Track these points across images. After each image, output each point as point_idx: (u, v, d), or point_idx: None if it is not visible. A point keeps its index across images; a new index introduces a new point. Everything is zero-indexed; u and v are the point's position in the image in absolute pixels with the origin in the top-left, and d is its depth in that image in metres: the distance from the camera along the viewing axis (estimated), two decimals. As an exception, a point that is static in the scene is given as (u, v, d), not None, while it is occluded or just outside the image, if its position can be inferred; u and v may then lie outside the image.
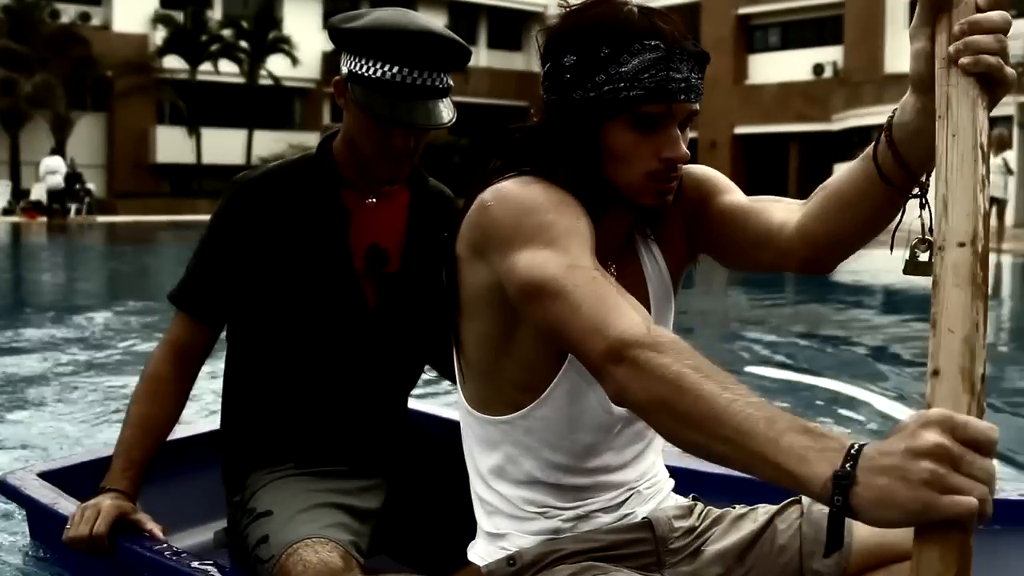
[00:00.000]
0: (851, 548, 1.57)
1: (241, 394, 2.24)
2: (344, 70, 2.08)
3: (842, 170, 1.51)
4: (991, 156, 17.13)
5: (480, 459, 1.69)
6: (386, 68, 2.01)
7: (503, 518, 1.66)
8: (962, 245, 1.14)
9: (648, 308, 1.64)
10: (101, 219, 28.94)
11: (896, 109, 1.43)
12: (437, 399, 3.46)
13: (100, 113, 37.41)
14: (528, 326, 1.55)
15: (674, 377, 1.22)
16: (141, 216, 30.92)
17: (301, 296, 2.12)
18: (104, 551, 2.03)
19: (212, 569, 1.95)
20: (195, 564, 1.96)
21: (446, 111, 2.07)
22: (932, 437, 1.00)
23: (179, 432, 2.46)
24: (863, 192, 1.49)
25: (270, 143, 38.13)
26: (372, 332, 2.16)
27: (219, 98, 38.66)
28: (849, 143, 32.17)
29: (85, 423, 4.85)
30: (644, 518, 1.68)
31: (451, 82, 2.09)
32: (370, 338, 2.16)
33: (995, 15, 1.25)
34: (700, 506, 1.77)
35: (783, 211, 1.61)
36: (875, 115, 30.30)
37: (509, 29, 46.47)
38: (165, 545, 2.04)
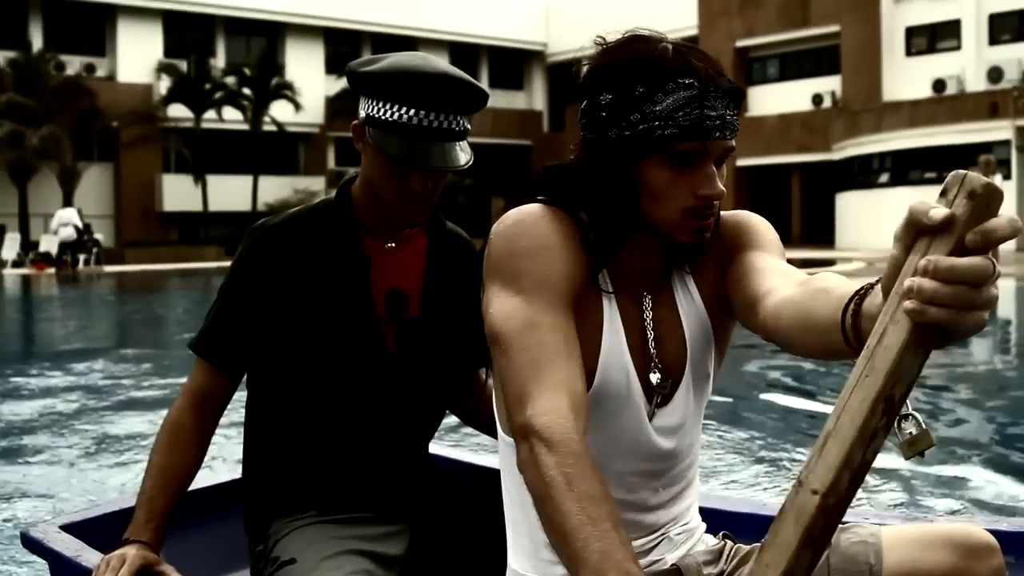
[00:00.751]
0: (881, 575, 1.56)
1: (262, 442, 2.23)
2: (362, 114, 2.10)
3: (827, 291, 1.37)
4: None
5: (511, 488, 1.69)
6: (403, 110, 2.02)
7: (530, 559, 1.66)
8: (813, 493, 1.09)
9: (684, 345, 1.66)
10: (109, 268, 29.18)
11: (876, 282, 1.23)
12: (458, 443, 3.46)
13: (107, 163, 37.71)
14: None
15: (548, 481, 1.32)
16: (149, 265, 31.14)
17: (322, 342, 2.12)
18: None
19: None
20: None
21: (463, 154, 2.09)
22: None
23: (201, 481, 2.47)
24: (825, 333, 1.34)
25: (276, 188, 38.49)
26: (393, 377, 2.15)
27: (224, 145, 38.92)
28: (850, 171, 32.37)
29: (98, 469, 4.94)
30: (673, 565, 1.68)
31: (468, 125, 2.10)
32: (391, 383, 2.15)
33: (967, 265, 1.03)
34: (729, 546, 1.75)
35: (777, 279, 1.54)
36: (874, 143, 30.51)
37: (510, 68, 46.84)
38: None
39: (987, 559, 1.53)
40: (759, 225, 1.70)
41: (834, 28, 35.52)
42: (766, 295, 1.51)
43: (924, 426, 1.10)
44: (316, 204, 2.23)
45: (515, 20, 45.89)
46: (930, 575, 1.53)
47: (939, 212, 1.04)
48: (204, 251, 34.31)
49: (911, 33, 33.84)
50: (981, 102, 29.00)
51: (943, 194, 1.06)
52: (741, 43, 37.92)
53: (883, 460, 4.79)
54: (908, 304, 1.04)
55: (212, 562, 2.52)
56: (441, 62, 2.09)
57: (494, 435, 1.76)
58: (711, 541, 1.77)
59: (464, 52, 45.00)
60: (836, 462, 1.09)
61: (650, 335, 1.64)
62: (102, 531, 2.32)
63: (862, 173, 31.86)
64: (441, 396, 2.28)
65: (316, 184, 40.69)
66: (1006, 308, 14.73)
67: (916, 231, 1.06)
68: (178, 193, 38.24)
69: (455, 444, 3.20)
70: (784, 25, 36.94)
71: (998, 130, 28.20)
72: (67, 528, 2.40)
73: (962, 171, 1.06)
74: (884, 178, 30.92)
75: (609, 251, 1.59)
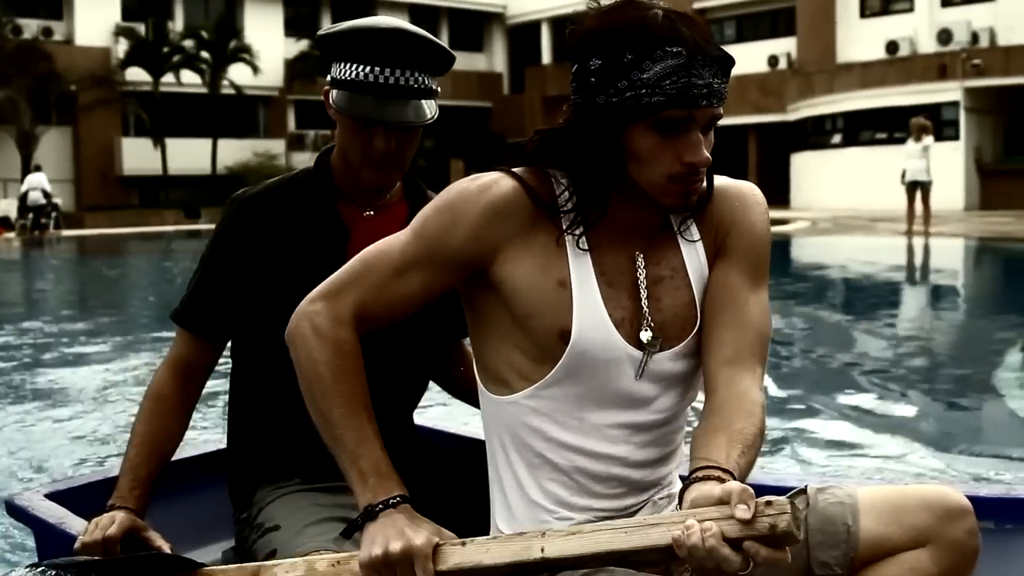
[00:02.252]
0: (858, 538, 1.57)
1: (246, 411, 2.24)
2: (328, 78, 2.11)
3: (705, 432, 1.57)
4: (913, 141, 17.51)
5: (494, 445, 1.73)
6: (361, 68, 2.03)
7: (516, 518, 1.69)
8: (542, 551, 1.46)
9: (689, 306, 1.69)
10: (68, 233, 29.13)
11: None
12: (442, 414, 3.43)
13: (65, 127, 37.41)
14: (505, 316, 1.66)
15: (319, 375, 1.65)
16: (108, 229, 31.08)
17: None
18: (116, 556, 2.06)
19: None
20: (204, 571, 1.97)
21: (426, 111, 2.08)
22: (375, 550, 1.56)
23: (185, 452, 2.51)
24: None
25: (235, 151, 38.34)
26: (373, 346, 2.12)
27: (183, 108, 38.73)
28: (804, 132, 32.75)
29: (81, 438, 5.07)
30: None
31: (431, 83, 2.10)
32: (371, 351, 2.12)
33: (724, 556, 1.31)
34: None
35: (727, 353, 1.65)
36: (827, 104, 30.88)
37: (470, 30, 46.71)
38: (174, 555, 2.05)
39: (961, 521, 1.55)
40: (759, 230, 1.73)
41: (789, -10, 35.78)
42: (708, 360, 1.66)
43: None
44: (296, 173, 2.24)
45: (475, -18, 45.94)
46: (905, 535, 1.55)
47: (744, 514, 1.31)
48: (164, 214, 34.32)
49: (865, -5, 34.16)
50: (930, 64, 29.38)
51: (768, 503, 1.31)
52: (699, 4, 38.02)
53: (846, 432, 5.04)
54: (676, 533, 1.33)
55: (196, 531, 2.54)
56: (402, 22, 2.10)
57: (478, 405, 1.79)
58: None
59: (424, 14, 44.76)
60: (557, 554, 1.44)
61: (643, 292, 1.66)
62: (87, 499, 2.34)
63: (815, 134, 32.22)
64: (423, 365, 2.29)
65: (276, 147, 40.62)
66: (950, 263, 15.15)
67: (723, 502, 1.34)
68: (137, 156, 38.04)
69: (441, 416, 3.19)
70: (730, -9, 37.17)
71: (947, 91, 28.60)
72: (52, 496, 2.42)
73: (787, 501, 1.32)
74: (837, 139, 31.36)
75: (592, 212, 1.61)
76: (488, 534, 1.69)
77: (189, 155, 37.98)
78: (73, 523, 2.22)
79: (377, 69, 2.03)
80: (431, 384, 2.44)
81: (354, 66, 2.04)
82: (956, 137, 28.60)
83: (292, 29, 41.79)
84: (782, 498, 1.31)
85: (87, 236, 28.57)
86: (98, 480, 2.50)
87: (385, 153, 2.08)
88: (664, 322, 1.66)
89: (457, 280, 1.67)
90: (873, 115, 29.73)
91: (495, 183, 1.63)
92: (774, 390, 5.85)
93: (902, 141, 29.27)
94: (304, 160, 40.93)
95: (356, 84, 2.04)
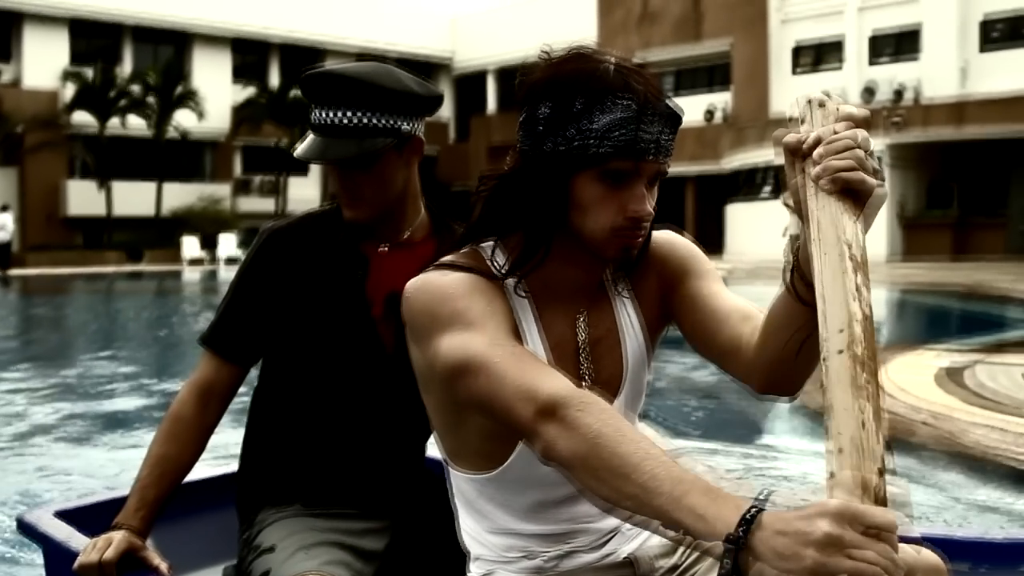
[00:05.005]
0: None
1: (260, 434, 2.27)
2: None
3: (772, 298, 1.54)
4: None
5: (461, 508, 1.72)
6: (312, 111, 2.11)
7: (488, 562, 1.68)
8: (840, 352, 1.20)
9: (623, 361, 1.69)
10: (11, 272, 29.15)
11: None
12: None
13: (11, 168, 37.65)
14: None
15: (595, 435, 1.29)
16: (48, 269, 31.21)
17: (320, 340, 2.16)
18: None
19: None
20: None
21: (373, 146, 2.08)
22: (823, 527, 1.08)
23: (197, 474, 2.48)
24: (789, 315, 1.49)
25: (181, 195, 38.65)
26: (389, 378, 2.15)
27: (129, 151, 39.00)
28: (736, 183, 33.59)
29: (96, 457, 5.27)
30: (626, 557, 1.69)
31: (377, 120, 2.08)
32: (387, 384, 2.16)
33: (843, 136, 1.31)
34: (688, 541, 1.72)
35: (745, 327, 1.61)
36: (758, 156, 31.73)
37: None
38: None
39: None
40: (693, 250, 1.75)
41: (726, 45, 36.74)
42: (749, 342, 1.59)
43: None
44: (323, 208, 2.28)
45: (422, 32, 46.45)
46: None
47: (808, 136, 1.34)
48: (105, 255, 34.50)
49: (798, 51, 35.15)
50: (855, 119, 30.37)
51: (802, 122, 1.36)
52: (640, 55, 38.72)
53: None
54: (823, 183, 1.30)
55: (202, 551, 2.56)
56: (359, 66, 2.13)
57: None
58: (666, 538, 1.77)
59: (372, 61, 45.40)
60: (841, 320, 1.23)
61: (586, 353, 1.66)
62: (96, 518, 2.33)
63: (747, 184, 33.10)
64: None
65: (222, 191, 41.02)
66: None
67: (793, 156, 1.36)
68: (82, 198, 38.29)
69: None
70: (679, 40, 38.08)
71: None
72: (61, 514, 2.44)
73: (804, 97, 1.38)
74: (767, 191, 32.20)
75: (534, 260, 1.59)
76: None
77: (134, 198, 38.23)
78: (79, 542, 2.24)
79: (319, 110, 2.09)
80: None
81: (310, 110, 2.12)
82: (879, 189, 29.51)
83: (240, 75, 42.43)
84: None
85: (28, 276, 28.69)
86: (108, 500, 2.51)
87: (342, 190, 2.14)
88: (603, 383, 1.65)
89: None
90: (801, 167, 30.58)
91: (441, 277, 1.58)
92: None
93: (829, 192, 30.27)
94: (252, 204, 41.35)
95: (311, 126, 2.12)
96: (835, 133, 1.33)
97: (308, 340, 2.15)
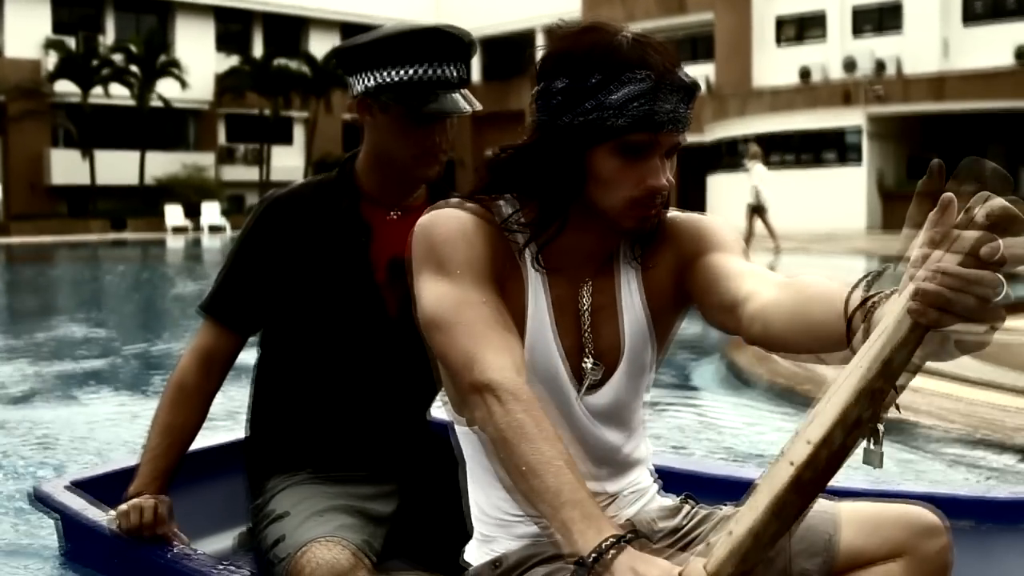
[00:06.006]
0: (837, 548, 1.58)
1: (267, 402, 2.30)
2: (360, 87, 2.15)
3: (821, 296, 1.35)
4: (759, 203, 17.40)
5: (467, 469, 1.74)
6: (416, 68, 2.09)
7: (491, 524, 1.70)
8: (790, 464, 1.13)
9: (620, 334, 1.68)
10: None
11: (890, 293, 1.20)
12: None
13: (-7, 137, 37.52)
14: None
15: (506, 427, 1.39)
16: (31, 237, 31.19)
17: (324, 306, 2.17)
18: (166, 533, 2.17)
19: (233, 570, 2.04)
20: (217, 566, 2.06)
21: (469, 99, 2.15)
22: None
23: (204, 442, 2.54)
24: (830, 339, 1.31)
25: (164, 163, 38.57)
26: (392, 342, 2.17)
27: (112, 121, 38.91)
28: (719, 153, 33.70)
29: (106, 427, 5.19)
30: (627, 520, 1.70)
31: (467, 72, 2.16)
32: (390, 348, 2.18)
33: (974, 276, 1.04)
34: (688, 507, 1.76)
35: (755, 283, 1.51)
36: (739, 127, 31.87)
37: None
38: (188, 547, 2.15)
39: (935, 538, 1.57)
40: (718, 227, 1.70)
41: (708, 16, 36.74)
42: (746, 300, 1.49)
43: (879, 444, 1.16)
44: (322, 177, 2.30)
45: (406, 1, 45.96)
46: (881, 548, 1.57)
47: (955, 236, 1.05)
48: (89, 224, 34.43)
49: (781, 23, 35.16)
50: (835, 91, 30.69)
51: (962, 197, 1.06)
52: (549, 27, 38.76)
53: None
54: (912, 304, 1.07)
55: (213, 517, 2.57)
56: (442, 23, 2.18)
57: None
58: (668, 501, 1.80)
59: (355, 32, 43.74)
60: (816, 438, 1.11)
61: (586, 321, 1.66)
62: (111, 488, 2.35)
63: (729, 155, 33.16)
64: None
65: (206, 159, 40.95)
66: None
67: (936, 226, 1.08)
68: (66, 167, 38.22)
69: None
70: (662, 12, 38.05)
71: (850, 117, 29.90)
72: (75, 485, 2.47)
73: (977, 164, 1.08)
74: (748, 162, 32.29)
75: (549, 232, 1.60)
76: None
77: (118, 167, 38.20)
78: (95, 512, 2.29)
79: (435, 65, 2.10)
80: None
81: (408, 67, 2.09)
82: (859, 161, 29.86)
83: (223, 44, 42.26)
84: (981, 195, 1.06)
85: (12, 245, 28.63)
86: (121, 469, 2.53)
87: (440, 145, 2.15)
88: (603, 352, 1.66)
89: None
90: (781, 139, 30.77)
91: (455, 212, 1.61)
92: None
93: (808, 164, 30.57)
94: (236, 173, 41.29)
95: (415, 84, 2.10)
96: (977, 252, 1.04)
97: (312, 307, 2.17)
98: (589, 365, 1.64)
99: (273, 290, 2.19)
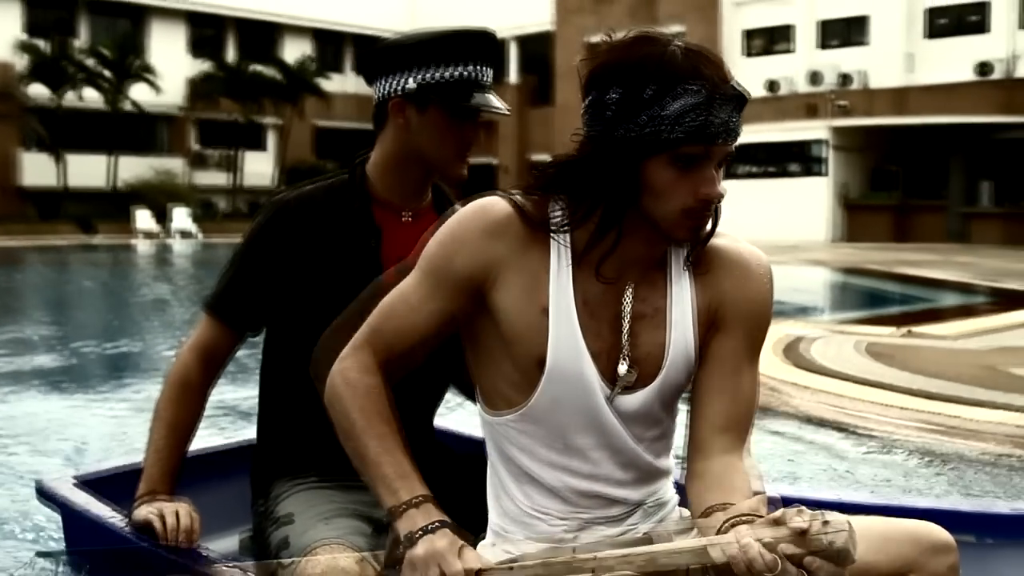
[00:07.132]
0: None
1: (274, 406, 2.30)
2: (396, 88, 2.16)
3: (718, 493, 1.61)
4: None
5: (491, 455, 1.77)
6: (461, 68, 2.13)
7: (510, 521, 1.73)
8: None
9: (665, 347, 1.68)
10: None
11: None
12: (460, 418, 3.43)
13: (-37, 139, 37.22)
14: (496, 340, 1.68)
15: (353, 421, 1.67)
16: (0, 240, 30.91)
17: (333, 310, 2.09)
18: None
19: (237, 570, 2.04)
20: (222, 565, 2.07)
21: (501, 100, 2.20)
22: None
23: (208, 444, 2.59)
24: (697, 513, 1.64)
25: (135, 167, 38.42)
26: None
27: (84, 124, 38.80)
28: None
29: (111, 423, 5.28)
30: (644, 533, 1.70)
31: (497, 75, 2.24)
32: None
33: (769, 560, 1.38)
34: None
35: (711, 432, 1.68)
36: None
37: (374, 55, 47.06)
38: (193, 548, 2.15)
39: (944, 556, 1.62)
40: (759, 302, 1.71)
41: (679, 28, 36.95)
42: (694, 445, 1.68)
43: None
44: (332, 180, 2.28)
45: (379, 8, 46.13)
46: (891, 564, 1.61)
47: (803, 524, 1.39)
48: (58, 227, 34.28)
49: (749, 35, 35.53)
50: (800, 103, 31.17)
51: (825, 522, 1.38)
52: (593, 39, 39.15)
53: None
54: (730, 550, 1.38)
55: (217, 518, 2.53)
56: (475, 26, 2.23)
57: None
58: (687, 514, 1.78)
59: (328, 39, 45.27)
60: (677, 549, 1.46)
61: (625, 325, 1.65)
62: (116, 485, 2.38)
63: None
64: (446, 370, 2.23)
65: (177, 164, 40.89)
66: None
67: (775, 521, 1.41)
68: (37, 170, 38.10)
69: (460, 419, 3.11)
70: (633, 22, 38.34)
71: (815, 129, 30.38)
72: (80, 481, 2.48)
73: (835, 526, 1.38)
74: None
75: (605, 242, 1.60)
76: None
77: (88, 170, 38.10)
78: (100, 509, 2.29)
79: (478, 66, 2.14)
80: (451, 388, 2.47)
81: (453, 67, 2.12)
82: (823, 173, 30.26)
83: (196, 49, 42.18)
84: (840, 516, 1.38)
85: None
86: (125, 465, 2.56)
87: (465, 146, 2.19)
88: (639, 359, 1.66)
89: (467, 306, 1.67)
90: (748, 150, 30.95)
91: (491, 205, 1.65)
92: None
93: (773, 175, 30.89)
94: (208, 178, 41.25)
95: (458, 83, 2.13)
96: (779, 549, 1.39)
97: (322, 311, 2.10)
98: (624, 369, 1.65)
99: (279, 293, 2.20)
